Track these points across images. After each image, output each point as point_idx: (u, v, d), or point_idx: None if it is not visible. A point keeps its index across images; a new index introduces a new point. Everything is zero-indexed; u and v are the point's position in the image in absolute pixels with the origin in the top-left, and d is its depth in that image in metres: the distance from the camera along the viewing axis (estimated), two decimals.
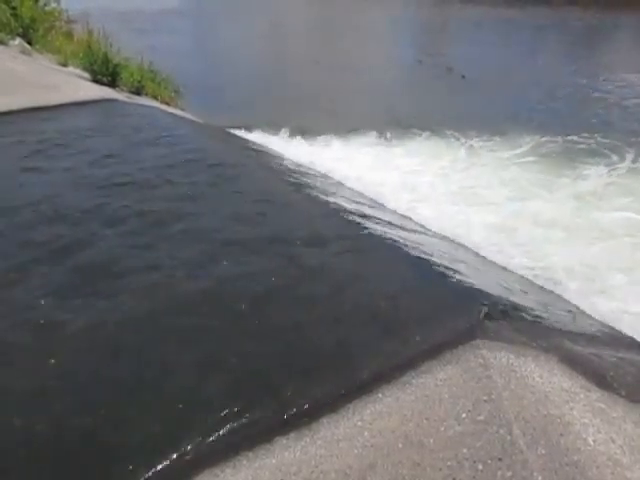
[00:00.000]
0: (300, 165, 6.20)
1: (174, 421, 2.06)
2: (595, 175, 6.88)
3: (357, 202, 4.92)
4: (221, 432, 2.01)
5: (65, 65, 10.15)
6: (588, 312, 3.57)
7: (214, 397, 2.17)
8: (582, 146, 7.99)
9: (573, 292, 3.88)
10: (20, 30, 11.43)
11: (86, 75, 9.13)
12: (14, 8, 11.43)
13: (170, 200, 4.07)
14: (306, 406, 2.11)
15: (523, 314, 2.88)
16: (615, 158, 7.52)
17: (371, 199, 5.37)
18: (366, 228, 3.90)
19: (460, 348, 2.35)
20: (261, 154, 6.43)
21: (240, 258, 3.24)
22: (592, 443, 1.93)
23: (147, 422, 2.07)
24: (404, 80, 12.66)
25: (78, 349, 2.45)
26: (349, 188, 5.67)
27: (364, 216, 4.30)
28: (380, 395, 2.14)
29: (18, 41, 11.04)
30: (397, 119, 8.94)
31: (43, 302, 2.76)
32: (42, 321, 2.61)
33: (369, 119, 8.99)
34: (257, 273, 3.08)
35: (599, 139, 8.20)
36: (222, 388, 2.22)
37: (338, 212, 4.22)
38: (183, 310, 2.74)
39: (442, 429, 1.97)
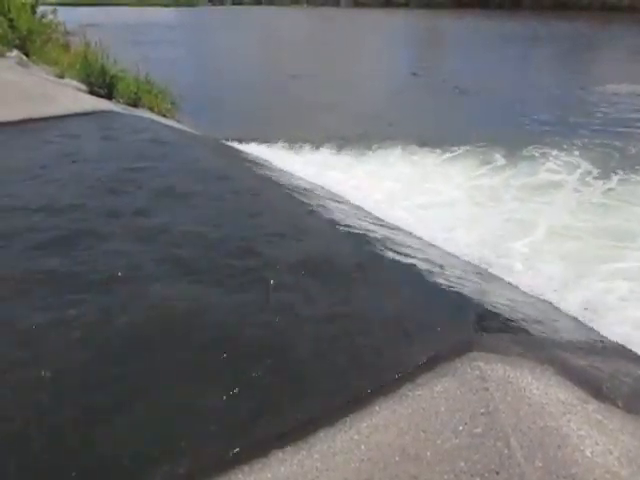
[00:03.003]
0: (300, 179, 6.22)
1: (170, 434, 2.05)
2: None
3: (354, 215, 4.93)
4: (217, 445, 2.00)
5: (62, 77, 10.18)
6: (583, 322, 3.57)
7: (210, 410, 2.16)
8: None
9: None
10: (17, 42, 11.49)
11: (83, 87, 9.16)
12: (11, 20, 11.49)
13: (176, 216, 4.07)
14: (303, 419, 2.10)
15: (519, 325, 2.88)
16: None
17: (366, 211, 5.37)
18: (361, 241, 3.91)
19: (457, 360, 2.35)
20: (257, 166, 6.44)
21: (239, 266, 3.24)
22: (590, 455, 1.92)
23: (142, 435, 2.05)
24: (400, 94, 12.71)
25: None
26: (348, 202, 5.64)
27: (359, 229, 4.31)
28: (377, 408, 2.13)
29: (15, 53, 11.08)
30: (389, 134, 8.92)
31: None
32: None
33: (366, 132, 8.96)
34: (251, 287, 3.07)
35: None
36: (218, 401, 2.21)
37: (335, 225, 4.23)
38: (179, 321, 2.73)
39: (439, 442, 1.97)
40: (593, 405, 2.18)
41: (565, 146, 8.22)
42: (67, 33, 15.32)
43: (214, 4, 63.75)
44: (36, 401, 2.21)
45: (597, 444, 1.97)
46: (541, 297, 3.89)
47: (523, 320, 3.03)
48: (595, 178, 6.92)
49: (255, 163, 6.55)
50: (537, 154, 7.87)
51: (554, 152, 7.94)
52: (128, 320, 2.72)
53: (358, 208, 5.44)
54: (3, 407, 2.19)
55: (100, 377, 2.35)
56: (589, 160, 7.59)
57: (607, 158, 7.71)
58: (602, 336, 3.34)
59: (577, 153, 7.95)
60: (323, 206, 4.83)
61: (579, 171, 7.21)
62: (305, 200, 4.89)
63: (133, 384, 2.32)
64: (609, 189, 6.54)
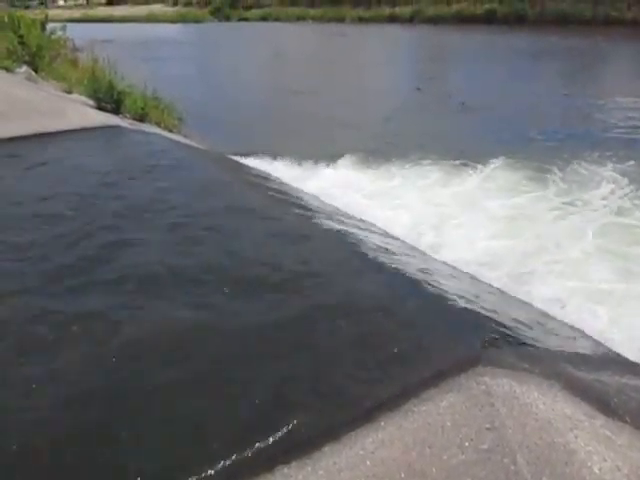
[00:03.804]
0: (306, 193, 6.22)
1: (174, 450, 2.04)
2: None
3: (356, 227, 4.94)
4: (221, 461, 1.98)
5: (70, 92, 10.30)
6: (590, 336, 3.55)
7: (213, 425, 2.15)
8: None
9: None
10: (27, 58, 11.65)
11: (91, 102, 9.26)
12: (21, 36, 11.67)
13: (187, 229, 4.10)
14: (307, 434, 2.09)
15: (525, 340, 2.86)
16: None
17: (369, 223, 5.36)
18: (365, 253, 3.91)
19: (462, 375, 2.34)
20: (264, 180, 6.46)
21: (237, 279, 3.25)
22: (598, 472, 1.90)
23: (147, 450, 2.05)
24: (405, 109, 12.76)
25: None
26: (352, 215, 5.63)
27: (364, 240, 4.32)
28: (382, 423, 2.12)
29: (24, 68, 11.24)
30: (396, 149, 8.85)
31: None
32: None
33: (377, 149, 8.86)
34: (253, 304, 3.08)
35: None
36: (222, 416, 2.20)
37: (339, 236, 4.24)
38: (186, 336, 2.73)
39: (445, 458, 1.95)
40: (601, 420, 2.16)
41: (594, 159, 7.95)
42: (75, 49, 15.55)
43: (220, 20, 64.48)
44: (36, 415, 2.21)
45: (605, 460, 1.95)
46: (547, 311, 3.87)
47: (529, 334, 3.02)
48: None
49: (264, 178, 6.56)
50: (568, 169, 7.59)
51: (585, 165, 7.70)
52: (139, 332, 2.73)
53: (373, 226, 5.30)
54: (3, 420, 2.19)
55: (101, 390, 2.36)
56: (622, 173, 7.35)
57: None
58: (609, 350, 3.31)
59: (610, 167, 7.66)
60: (326, 217, 4.84)
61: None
62: (309, 214, 4.91)
63: (133, 398, 2.32)
64: None
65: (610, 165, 7.67)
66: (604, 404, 2.28)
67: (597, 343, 3.43)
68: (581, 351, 3.20)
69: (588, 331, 3.57)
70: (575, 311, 3.92)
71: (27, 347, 2.65)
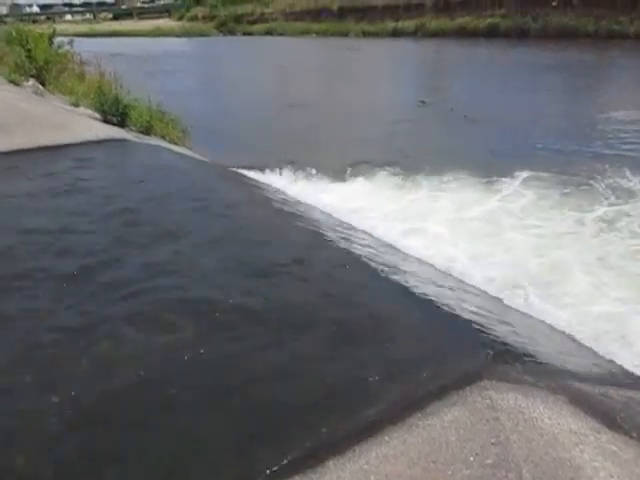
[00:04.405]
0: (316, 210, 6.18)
1: (174, 461, 2.04)
2: None
3: (361, 241, 4.94)
4: (223, 475, 1.98)
5: (77, 105, 10.41)
6: (595, 350, 3.53)
7: (215, 439, 2.15)
8: None
9: None
10: (34, 71, 11.79)
11: (97, 115, 9.35)
12: (29, 50, 11.82)
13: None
14: (311, 448, 2.08)
15: (530, 353, 2.85)
16: None
17: (375, 238, 5.36)
18: (370, 266, 3.92)
19: (467, 389, 2.32)
20: (274, 194, 6.44)
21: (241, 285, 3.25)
22: None
23: (146, 462, 2.04)
24: (408, 123, 12.80)
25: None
26: (361, 231, 5.60)
27: (369, 254, 4.32)
28: (386, 437, 2.11)
29: (32, 82, 11.37)
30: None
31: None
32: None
33: (388, 162, 8.80)
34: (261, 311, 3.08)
35: None
36: (224, 429, 2.19)
37: (345, 248, 4.25)
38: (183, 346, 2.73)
39: (449, 473, 1.94)
40: (607, 435, 2.14)
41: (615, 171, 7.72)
42: (82, 63, 15.72)
43: (225, 34, 65.14)
44: (40, 437, 2.21)
45: (611, 476, 1.93)
46: (553, 325, 3.85)
47: (534, 348, 3.01)
48: None
49: (270, 192, 6.56)
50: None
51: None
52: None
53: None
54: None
55: (102, 410, 2.36)
56: None
57: None
58: (615, 364, 3.29)
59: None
60: (333, 230, 4.85)
61: None
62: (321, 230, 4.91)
63: (134, 415, 2.33)
64: None
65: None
66: (610, 419, 2.26)
67: (603, 358, 3.41)
68: (587, 365, 3.18)
69: None
70: None
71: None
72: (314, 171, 8.15)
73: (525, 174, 7.68)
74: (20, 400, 2.39)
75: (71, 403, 2.34)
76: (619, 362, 3.29)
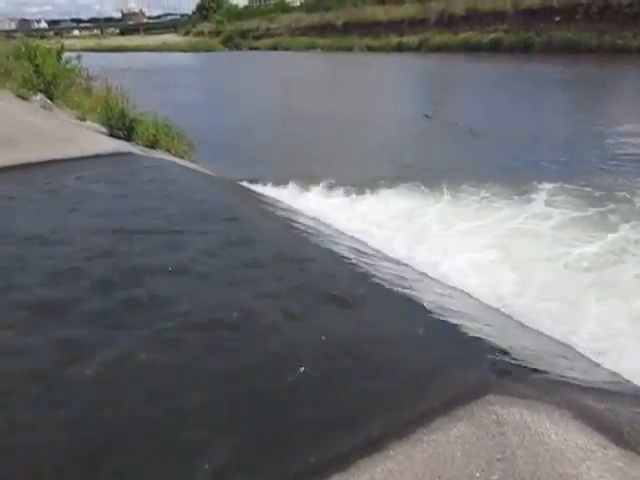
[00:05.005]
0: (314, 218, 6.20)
1: (177, 476, 2.03)
2: None
3: (363, 253, 4.95)
4: None
5: (84, 119, 10.53)
6: (602, 364, 3.51)
7: (217, 453, 2.13)
8: None
9: None
10: (42, 86, 11.94)
11: (103, 129, 9.45)
12: (37, 65, 11.98)
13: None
14: (315, 463, 2.07)
15: (535, 367, 2.83)
16: None
17: (375, 249, 5.35)
18: (372, 279, 3.91)
19: (472, 404, 2.31)
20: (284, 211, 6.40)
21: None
22: None
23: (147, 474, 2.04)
24: (413, 136, 12.87)
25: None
26: (360, 240, 5.62)
27: (370, 266, 4.32)
28: (391, 452, 2.10)
29: (40, 97, 11.51)
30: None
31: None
32: None
33: (382, 174, 8.82)
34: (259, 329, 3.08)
35: None
36: (225, 444, 2.18)
37: (346, 263, 4.25)
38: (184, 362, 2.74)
39: None
40: (614, 451, 2.12)
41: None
42: (89, 78, 15.91)
43: (231, 49, 65.85)
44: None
45: None
46: (558, 339, 3.83)
47: (540, 362, 2.99)
48: None
49: (277, 207, 6.56)
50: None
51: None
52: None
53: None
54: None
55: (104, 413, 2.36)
56: None
57: None
58: (622, 379, 3.27)
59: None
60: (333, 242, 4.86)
61: None
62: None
63: (132, 424, 2.33)
64: None
65: None
66: (617, 435, 2.24)
67: (610, 372, 3.39)
68: (593, 380, 3.16)
69: None
70: None
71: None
72: (323, 185, 8.12)
73: (545, 187, 7.63)
74: (25, 413, 2.40)
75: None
76: (626, 376, 3.26)
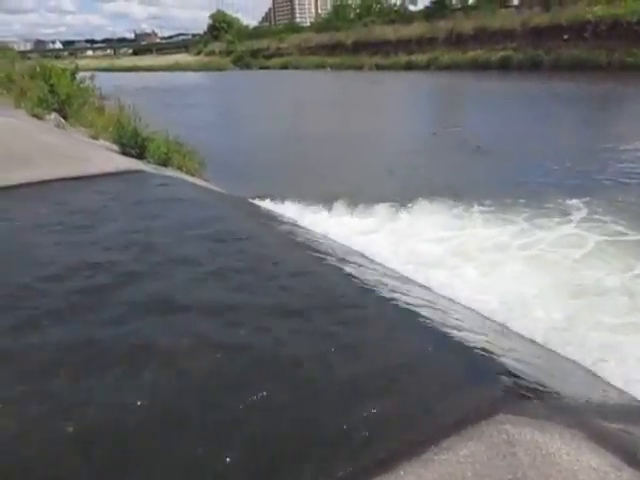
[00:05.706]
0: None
1: None
2: None
3: (370, 269, 4.95)
4: None
5: (96, 138, 10.69)
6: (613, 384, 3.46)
7: (228, 472, 2.13)
8: None
9: None
10: (56, 105, 12.16)
11: (116, 148, 9.58)
12: (52, 85, 12.22)
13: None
14: None
15: (548, 387, 2.81)
16: None
17: (384, 266, 5.33)
18: (381, 295, 3.91)
19: (483, 423, 2.29)
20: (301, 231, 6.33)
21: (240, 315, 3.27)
22: None
23: None
24: (423, 154, 12.89)
25: None
26: (371, 259, 5.58)
27: (379, 283, 4.32)
28: (402, 472, 2.08)
29: (54, 116, 11.72)
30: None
31: None
32: None
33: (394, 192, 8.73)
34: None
35: None
36: (236, 464, 2.17)
37: (353, 279, 4.25)
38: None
39: None
40: (627, 473, 2.09)
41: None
42: (102, 97, 16.18)
43: (242, 68, 66.75)
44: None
45: None
46: (569, 357, 3.80)
47: (552, 382, 2.96)
48: None
49: (289, 224, 6.55)
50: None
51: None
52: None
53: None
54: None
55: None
56: None
57: None
58: (635, 399, 3.23)
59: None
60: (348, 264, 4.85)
61: None
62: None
63: (142, 442, 2.33)
64: None
65: None
66: (631, 455, 2.21)
67: (622, 392, 3.35)
68: (605, 399, 3.12)
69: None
70: None
71: None
72: (336, 204, 8.00)
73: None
74: (35, 427, 2.41)
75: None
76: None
